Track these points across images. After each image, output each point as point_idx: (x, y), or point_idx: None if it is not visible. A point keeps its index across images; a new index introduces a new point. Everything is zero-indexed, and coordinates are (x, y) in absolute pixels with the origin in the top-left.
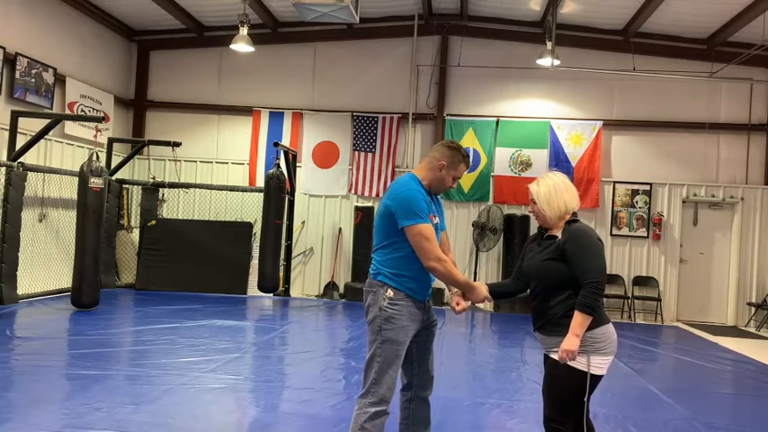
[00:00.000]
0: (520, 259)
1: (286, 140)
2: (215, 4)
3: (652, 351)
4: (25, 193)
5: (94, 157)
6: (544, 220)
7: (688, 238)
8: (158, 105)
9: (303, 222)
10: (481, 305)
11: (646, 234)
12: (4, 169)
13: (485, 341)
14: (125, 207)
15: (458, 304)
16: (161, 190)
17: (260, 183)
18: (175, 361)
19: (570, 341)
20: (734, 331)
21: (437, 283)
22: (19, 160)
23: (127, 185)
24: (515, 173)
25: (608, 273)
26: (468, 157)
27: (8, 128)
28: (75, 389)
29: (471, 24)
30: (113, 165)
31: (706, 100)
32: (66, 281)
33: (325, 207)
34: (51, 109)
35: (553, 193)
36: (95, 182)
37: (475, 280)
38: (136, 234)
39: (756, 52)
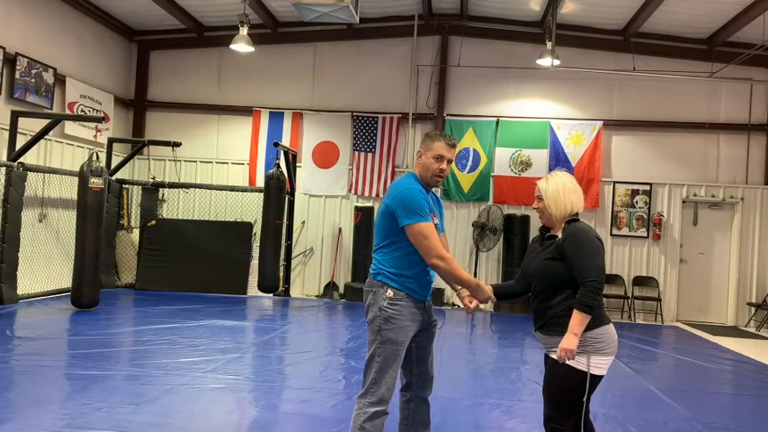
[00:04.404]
0: (524, 260)
1: (286, 140)
2: (215, 4)
3: (652, 351)
4: (25, 193)
5: (94, 157)
6: (548, 218)
7: (688, 238)
8: (158, 105)
9: (303, 222)
10: (481, 305)
11: (646, 234)
12: (4, 169)
13: (485, 341)
14: (125, 207)
15: (470, 302)
16: (161, 190)
17: (260, 183)
18: (175, 361)
19: (569, 340)
20: (734, 331)
21: (437, 284)
22: (19, 160)
23: (127, 185)
24: (515, 173)
25: (608, 273)
26: (446, 136)
27: (8, 128)
28: (75, 389)
29: (471, 24)
30: (113, 165)
31: (706, 100)
32: (66, 281)
33: (325, 207)
34: (51, 109)
35: (561, 192)
36: (95, 182)
37: None
38: (136, 234)
39: (756, 52)
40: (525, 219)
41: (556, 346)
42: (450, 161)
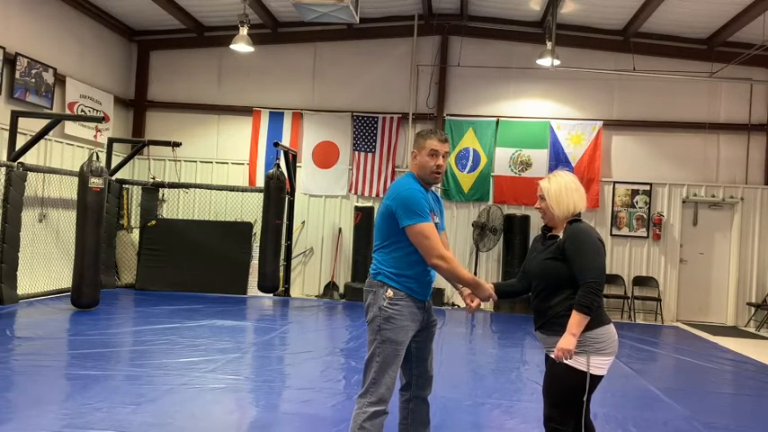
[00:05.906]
0: (526, 259)
1: (286, 140)
2: (215, 4)
3: (652, 351)
4: (25, 193)
5: (94, 157)
6: (551, 218)
7: (688, 238)
8: (158, 105)
9: (303, 222)
10: (483, 304)
11: (646, 234)
12: (4, 169)
13: (485, 341)
14: (125, 207)
15: (472, 301)
16: (161, 190)
17: (260, 183)
18: (175, 361)
19: (567, 340)
20: (734, 331)
21: (437, 283)
22: (19, 160)
23: (127, 185)
24: (515, 173)
25: (608, 273)
26: (437, 132)
27: (8, 128)
28: (76, 389)
29: (471, 24)
30: (113, 165)
31: (706, 100)
32: (66, 281)
33: (325, 207)
34: (51, 109)
35: (563, 192)
36: (95, 182)
37: None
38: (136, 234)
39: (756, 52)
40: (525, 219)
41: (555, 346)
42: (445, 155)
